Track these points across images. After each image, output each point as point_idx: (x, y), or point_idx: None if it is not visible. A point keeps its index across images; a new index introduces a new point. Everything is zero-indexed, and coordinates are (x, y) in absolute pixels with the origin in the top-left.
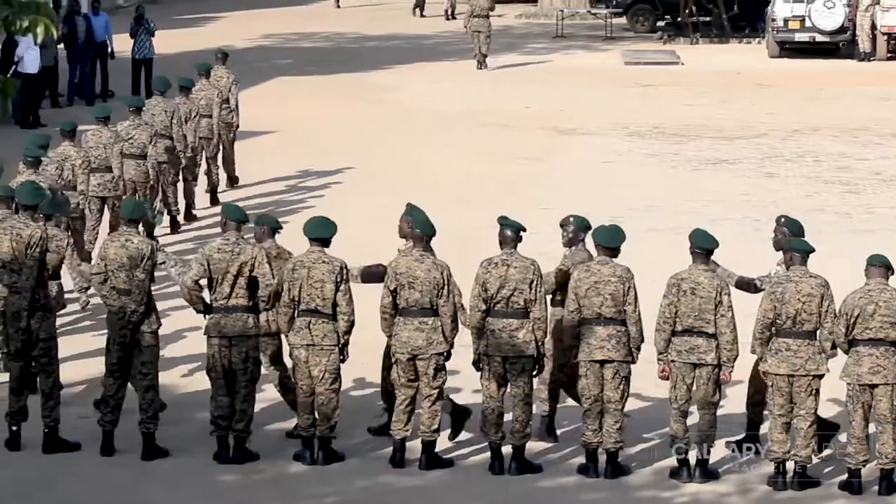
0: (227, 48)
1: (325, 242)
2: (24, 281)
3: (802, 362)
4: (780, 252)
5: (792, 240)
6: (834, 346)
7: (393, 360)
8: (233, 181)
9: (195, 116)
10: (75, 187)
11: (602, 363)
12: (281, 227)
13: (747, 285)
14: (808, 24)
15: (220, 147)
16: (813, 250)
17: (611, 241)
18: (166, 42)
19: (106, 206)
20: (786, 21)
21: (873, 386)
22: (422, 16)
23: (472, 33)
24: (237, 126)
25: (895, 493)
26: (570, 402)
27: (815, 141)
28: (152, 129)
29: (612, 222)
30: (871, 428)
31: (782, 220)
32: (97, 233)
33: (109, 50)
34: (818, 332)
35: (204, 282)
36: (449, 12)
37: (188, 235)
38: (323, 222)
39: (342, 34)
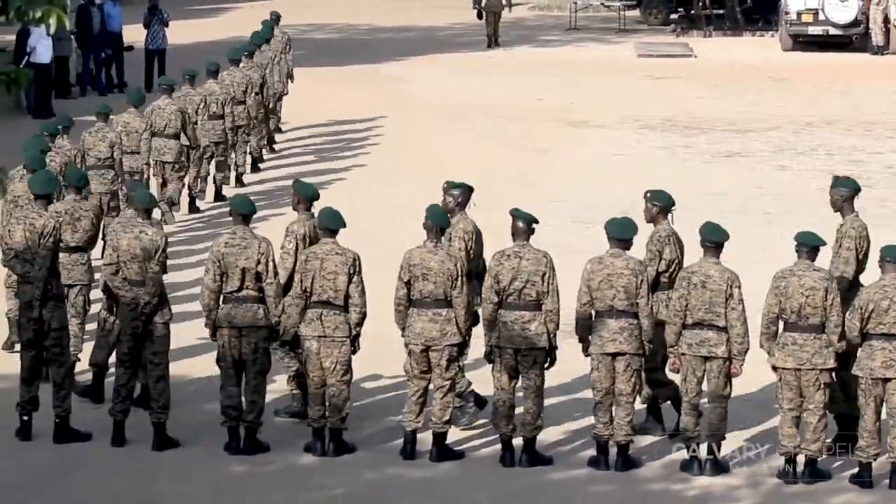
0: (240, 39)
1: (336, 233)
2: (36, 271)
3: (809, 356)
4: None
5: (802, 233)
6: (841, 339)
7: (406, 350)
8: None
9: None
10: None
11: (614, 356)
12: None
13: None
14: (821, 17)
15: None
16: (822, 243)
17: (623, 232)
18: (180, 32)
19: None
20: (799, 14)
21: (886, 380)
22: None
23: (487, 13)
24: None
25: None
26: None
27: (828, 134)
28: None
29: (623, 215)
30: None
31: (648, 194)
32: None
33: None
34: (825, 325)
35: None
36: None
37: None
38: (335, 213)
39: (355, 25)
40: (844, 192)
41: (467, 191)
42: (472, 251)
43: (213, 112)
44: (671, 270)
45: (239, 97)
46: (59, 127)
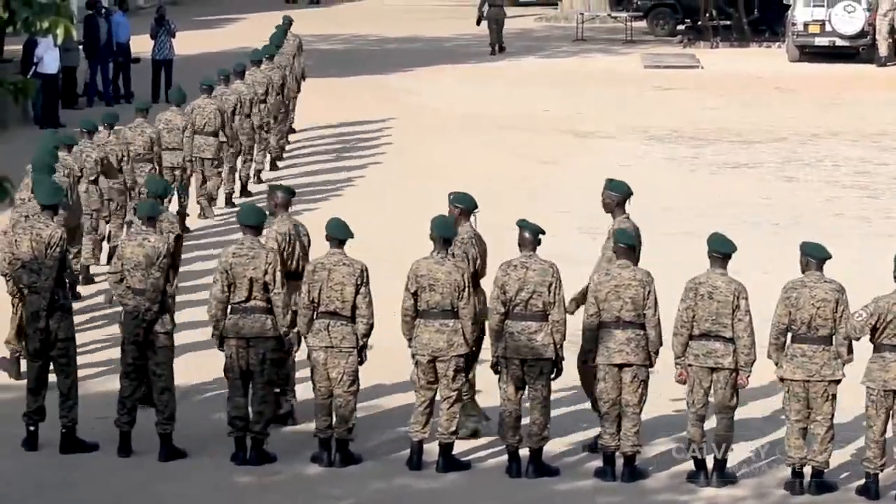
0: (247, 49)
1: (343, 243)
2: (43, 281)
3: (818, 368)
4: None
5: (808, 244)
6: (850, 352)
7: (413, 361)
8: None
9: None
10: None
11: (621, 367)
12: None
13: None
14: (828, 28)
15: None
16: (829, 256)
17: (629, 238)
18: (186, 43)
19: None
20: (806, 25)
21: None
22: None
23: (489, 21)
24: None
25: None
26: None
27: (835, 145)
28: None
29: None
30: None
31: (451, 197)
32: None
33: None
34: (833, 337)
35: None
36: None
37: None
38: (342, 223)
39: (362, 36)
40: (615, 196)
41: (288, 193)
42: (285, 252)
43: (241, 111)
44: (473, 271)
45: (260, 97)
46: (105, 123)
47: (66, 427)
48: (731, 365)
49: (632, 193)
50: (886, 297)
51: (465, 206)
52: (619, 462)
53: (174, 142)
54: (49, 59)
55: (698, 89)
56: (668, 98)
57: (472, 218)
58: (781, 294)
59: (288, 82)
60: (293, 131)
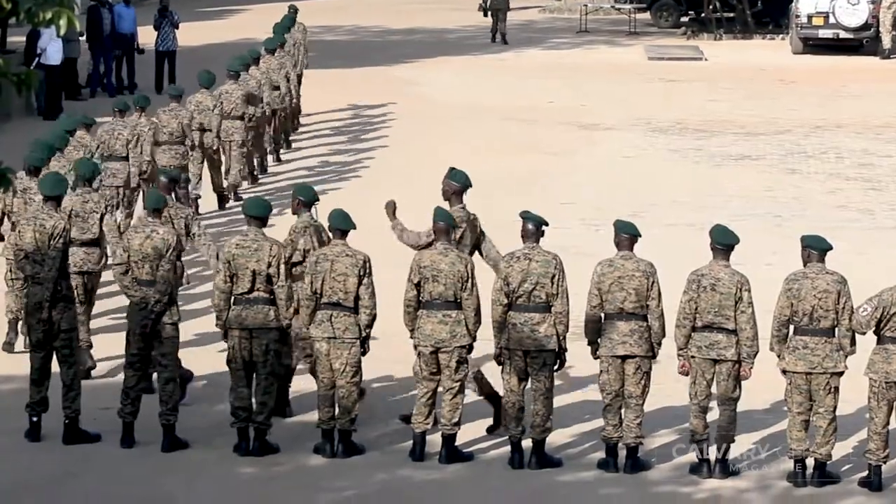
0: (251, 41)
1: (346, 234)
2: (46, 272)
3: (820, 360)
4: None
5: (808, 236)
6: (852, 344)
7: (416, 352)
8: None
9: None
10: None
11: (623, 358)
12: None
13: None
14: (831, 20)
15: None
16: (830, 248)
17: (632, 228)
18: (190, 34)
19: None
20: (810, 17)
21: None
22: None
23: (493, 11)
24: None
25: None
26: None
27: (838, 137)
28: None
29: (630, 218)
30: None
31: (294, 189)
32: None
33: (136, 43)
34: (836, 329)
35: None
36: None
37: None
38: (344, 214)
39: (366, 28)
40: (454, 185)
41: (170, 179)
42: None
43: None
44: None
45: (275, 83)
46: (137, 106)
47: (68, 418)
48: (733, 357)
49: (470, 185)
50: (890, 289)
51: (305, 197)
52: (622, 453)
53: (205, 122)
54: (52, 51)
55: (702, 81)
56: (672, 90)
57: (312, 209)
58: (783, 286)
59: (298, 69)
60: (300, 111)
